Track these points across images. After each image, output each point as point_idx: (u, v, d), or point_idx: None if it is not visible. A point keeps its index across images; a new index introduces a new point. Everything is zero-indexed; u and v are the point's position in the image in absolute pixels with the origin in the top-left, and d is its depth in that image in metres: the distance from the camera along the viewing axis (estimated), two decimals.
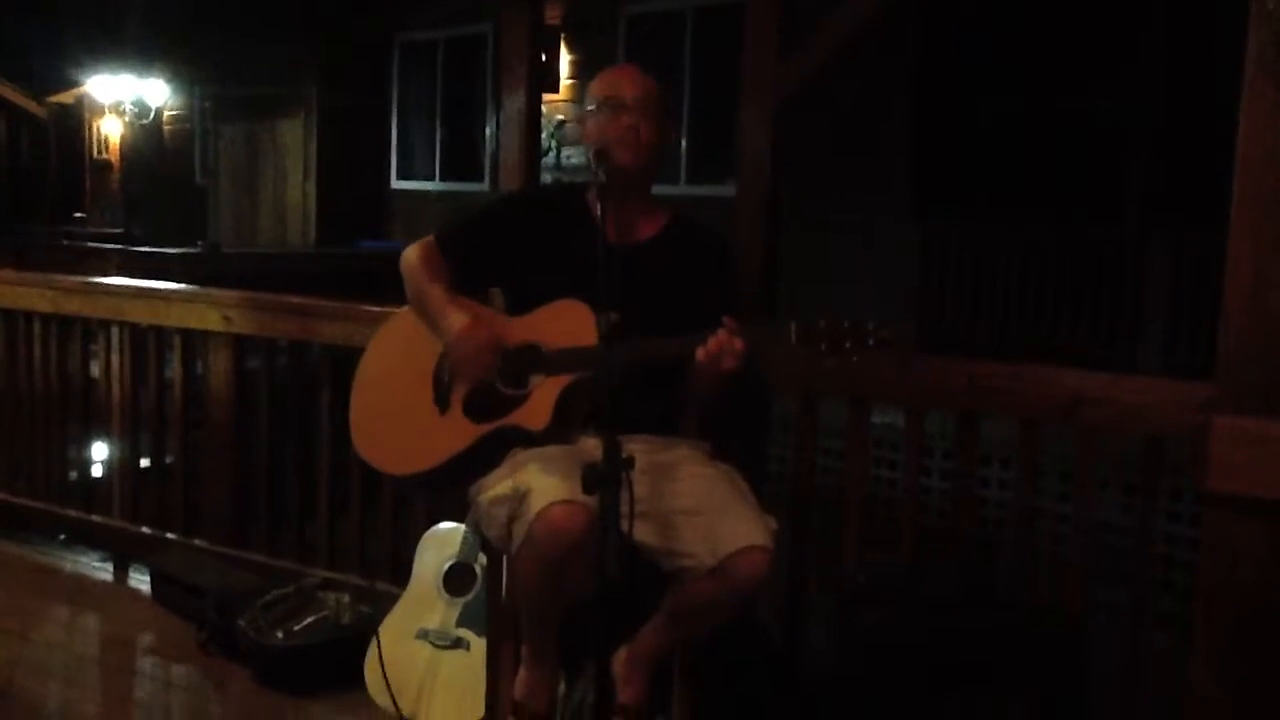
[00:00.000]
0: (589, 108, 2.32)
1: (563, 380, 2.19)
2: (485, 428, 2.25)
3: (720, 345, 2.05)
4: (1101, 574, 2.49)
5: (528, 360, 2.24)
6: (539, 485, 2.02)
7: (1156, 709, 2.43)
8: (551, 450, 2.16)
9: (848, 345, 2.01)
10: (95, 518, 4.00)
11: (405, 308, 2.45)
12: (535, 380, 2.23)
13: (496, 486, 2.15)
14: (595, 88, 2.33)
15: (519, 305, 2.33)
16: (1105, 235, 7.38)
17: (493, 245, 2.38)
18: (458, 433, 2.27)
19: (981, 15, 7.53)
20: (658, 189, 2.40)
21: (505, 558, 2.32)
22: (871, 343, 2.01)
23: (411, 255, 2.39)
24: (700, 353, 2.06)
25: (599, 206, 2.13)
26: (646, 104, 2.27)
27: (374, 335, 2.51)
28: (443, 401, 2.31)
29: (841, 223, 7.88)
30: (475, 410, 2.27)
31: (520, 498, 2.05)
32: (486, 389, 2.26)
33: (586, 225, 2.24)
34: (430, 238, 2.42)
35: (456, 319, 2.26)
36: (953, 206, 7.91)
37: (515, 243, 2.35)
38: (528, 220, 2.40)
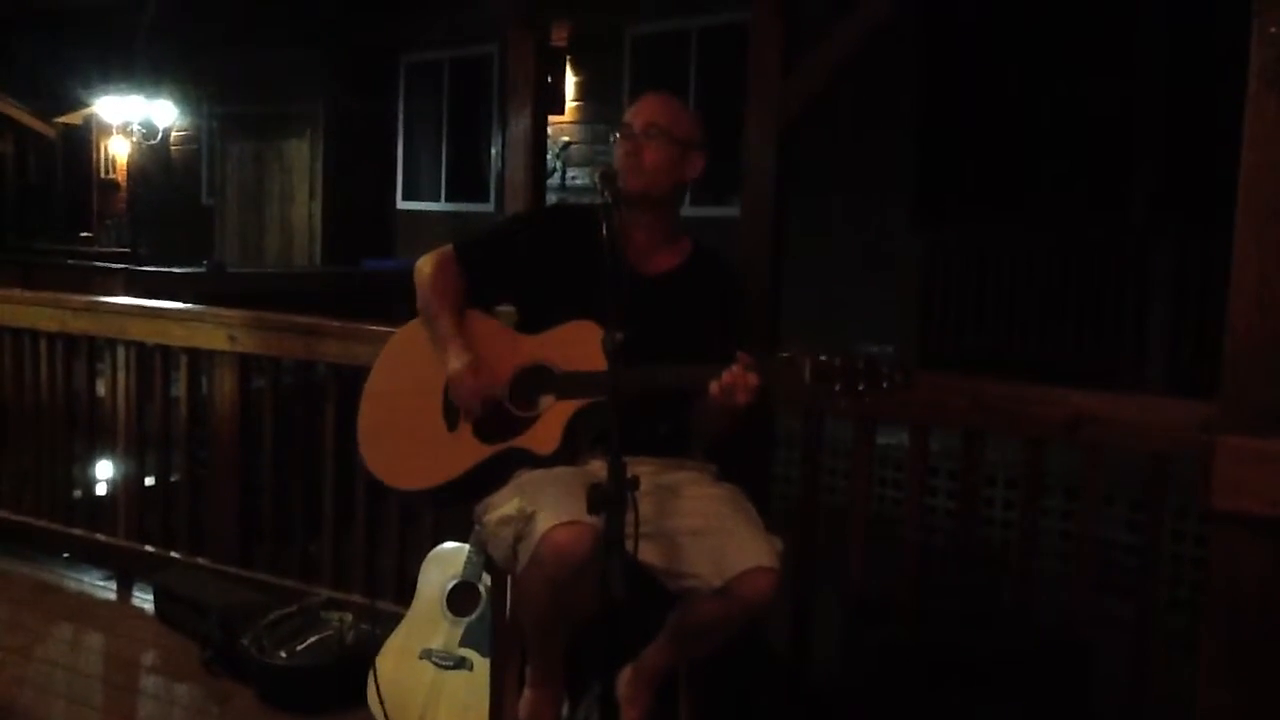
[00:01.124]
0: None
1: (573, 404, 2.19)
2: (493, 448, 2.25)
3: (734, 379, 2.03)
4: (1107, 591, 2.48)
5: (539, 381, 2.24)
6: (545, 506, 2.02)
7: None
8: (558, 471, 2.16)
9: (861, 387, 1.98)
10: (100, 536, 4.00)
11: (417, 320, 2.45)
12: (545, 402, 2.23)
13: (503, 507, 2.15)
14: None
15: (531, 322, 2.34)
16: (1110, 242, 7.38)
17: (510, 260, 2.39)
18: (465, 451, 2.27)
19: (986, 22, 7.55)
20: None
21: (510, 578, 2.32)
22: (885, 385, 1.98)
23: (426, 266, 2.40)
24: (714, 386, 2.05)
25: (610, 227, 2.14)
26: (653, 130, 2.29)
27: (386, 346, 2.50)
28: (452, 419, 2.31)
29: (844, 229, 7.89)
30: (484, 430, 2.27)
31: (526, 518, 2.05)
32: (496, 409, 2.26)
33: (603, 248, 2.26)
34: (448, 247, 2.42)
35: (457, 358, 2.27)
36: (956, 213, 7.92)
37: (532, 260, 2.36)
38: (546, 238, 2.40)
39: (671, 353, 2.09)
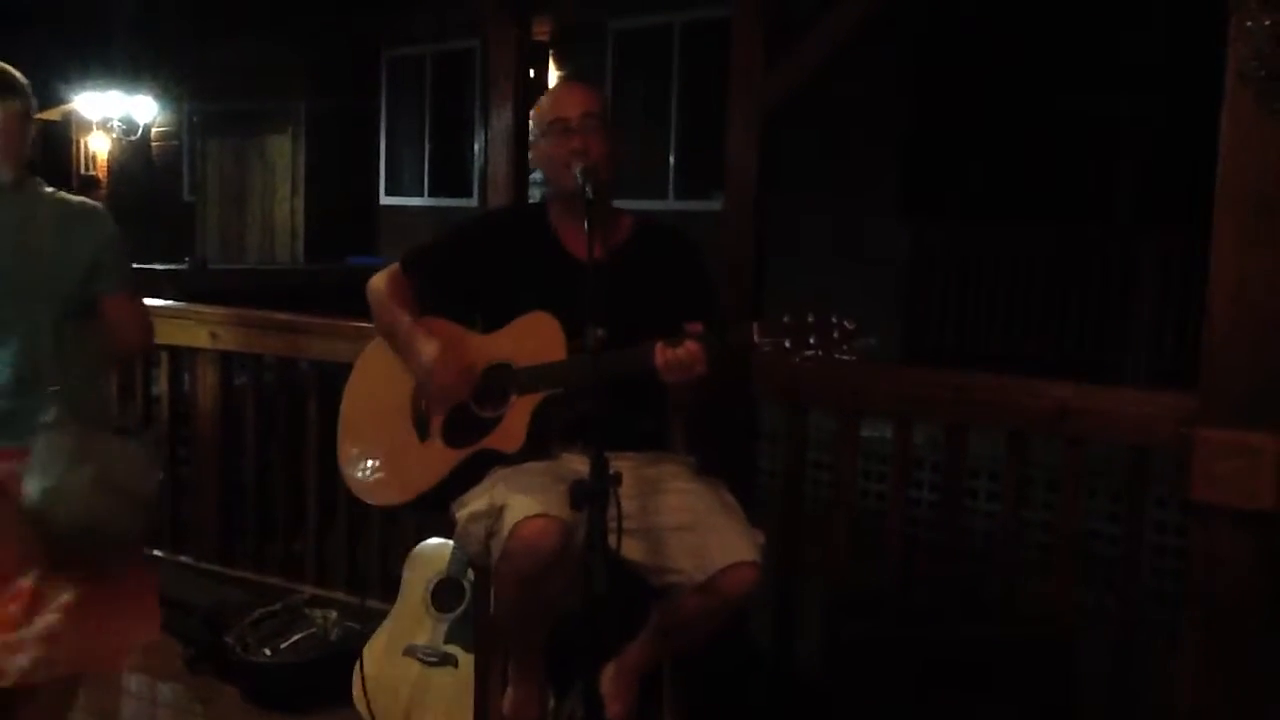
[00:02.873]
0: (536, 133, 2.33)
1: (534, 399, 2.19)
2: (463, 453, 2.25)
3: (678, 356, 2.02)
4: (1089, 582, 2.50)
5: (499, 380, 2.24)
6: (515, 501, 2.03)
7: (1145, 716, 2.44)
8: (530, 466, 2.17)
9: (811, 339, 1.99)
10: None
11: (377, 339, 2.45)
12: (510, 399, 2.23)
13: (474, 503, 2.16)
14: (540, 111, 2.33)
15: (493, 324, 2.33)
16: (1094, 241, 7.42)
17: (458, 269, 2.39)
18: (437, 460, 2.28)
19: (976, 18, 7.57)
20: (645, 204, 2.41)
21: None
22: (836, 335, 1.98)
23: (378, 283, 2.40)
24: (659, 362, 2.04)
25: (562, 223, 2.15)
26: (591, 120, 2.26)
27: (353, 370, 2.51)
28: (422, 429, 2.32)
29: (830, 226, 7.90)
30: (453, 435, 2.28)
31: (496, 513, 2.06)
32: (462, 413, 2.27)
33: (551, 244, 2.27)
34: (395, 265, 2.42)
35: (427, 348, 2.27)
36: (942, 211, 7.94)
37: (481, 266, 2.35)
38: (492, 243, 2.39)
39: (638, 328, 2.08)
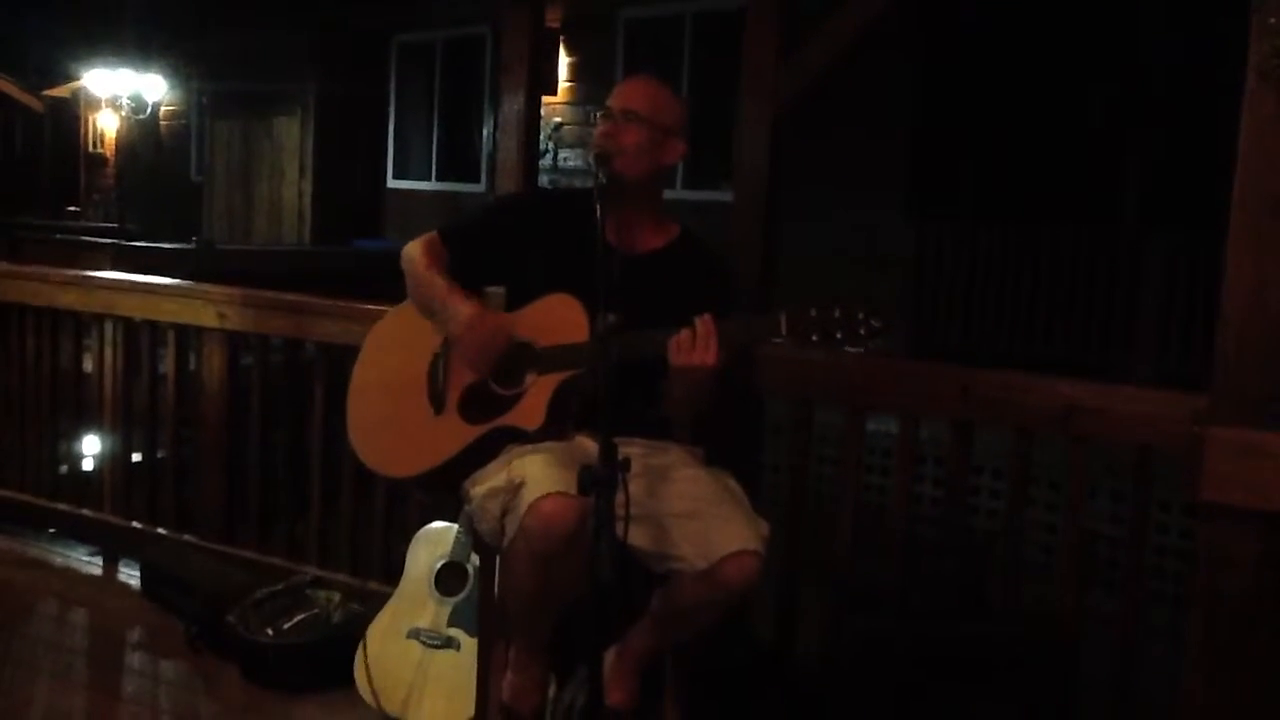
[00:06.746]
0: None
1: (556, 378, 2.19)
2: (481, 428, 2.25)
3: (689, 337, 2.05)
4: (1092, 582, 2.49)
5: (521, 358, 2.24)
6: (533, 478, 2.02)
7: (1147, 717, 2.44)
8: (547, 445, 2.16)
9: (839, 335, 2.01)
10: (86, 512, 3.98)
11: (394, 309, 2.46)
12: (529, 378, 2.22)
13: (491, 479, 2.15)
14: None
15: (519, 303, 2.33)
16: (1101, 240, 7.41)
17: (497, 242, 2.40)
18: (454, 434, 2.27)
19: (983, 20, 7.55)
20: None
21: (497, 557, 2.31)
22: (863, 332, 2.01)
23: (414, 248, 2.40)
24: (671, 344, 2.05)
25: (601, 207, 2.13)
26: (630, 116, 2.27)
27: (366, 339, 2.51)
28: (438, 402, 2.31)
29: (837, 224, 7.89)
30: (470, 411, 2.27)
31: (514, 490, 2.05)
32: (481, 388, 2.26)
33: (590, 229, 2.25)
34: (434, 232, 2.42)
35: (464, 307, 2.27)
36: (949, 209, 7.93)
37: (519, 242, 2.36)
38: (533, 220, 2.40)
39: (655, 328, 2.09)
